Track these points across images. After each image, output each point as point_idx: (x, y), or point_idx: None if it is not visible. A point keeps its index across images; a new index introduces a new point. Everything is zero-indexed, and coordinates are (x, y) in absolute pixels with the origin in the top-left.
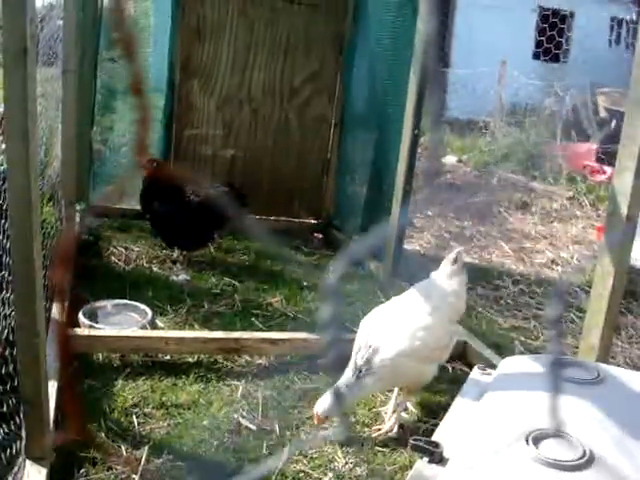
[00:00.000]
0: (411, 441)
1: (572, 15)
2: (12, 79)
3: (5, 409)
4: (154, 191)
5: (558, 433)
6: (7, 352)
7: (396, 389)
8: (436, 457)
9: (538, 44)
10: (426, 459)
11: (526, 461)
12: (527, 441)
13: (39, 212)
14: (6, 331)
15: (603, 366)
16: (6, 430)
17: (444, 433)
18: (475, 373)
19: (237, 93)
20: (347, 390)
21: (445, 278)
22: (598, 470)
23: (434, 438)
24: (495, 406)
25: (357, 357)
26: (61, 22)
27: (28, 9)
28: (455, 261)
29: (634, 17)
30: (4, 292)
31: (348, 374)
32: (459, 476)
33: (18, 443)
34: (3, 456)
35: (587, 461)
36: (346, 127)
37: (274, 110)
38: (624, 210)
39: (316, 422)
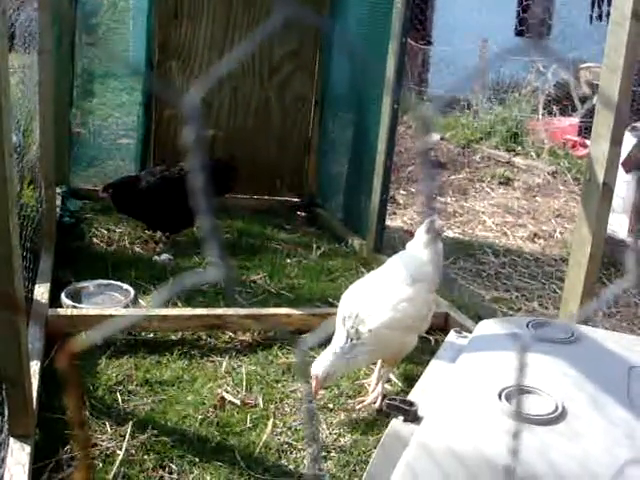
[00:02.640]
0: (386, 401)
1: None
2: None
3: None
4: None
5: (530, 390)
6: None
7: (379, 361)
8: (411, 415)
9: (521, 21)
10: (401, 418)
11: (498, 415)
12: (500, 397)
13: (14, 187)
14: None
15: (577, 326)
16: None
17: (419, 393)
18: (451, 336)
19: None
20: (341, 354)
21: (421, 248)
22: (569, 424)
23: (409, 398)
24: (470, 366)
25: (347, 325)
26: (37, 5)
27: None
28: (429, 230)
29: None
30: None
31: (341, 340)
32: (434, 432)
33: (0, 420)
34: None
35: (559, 416)
36: (327, 105)
37: (254, 89)
38: (600, 178)
39: (315, 386)
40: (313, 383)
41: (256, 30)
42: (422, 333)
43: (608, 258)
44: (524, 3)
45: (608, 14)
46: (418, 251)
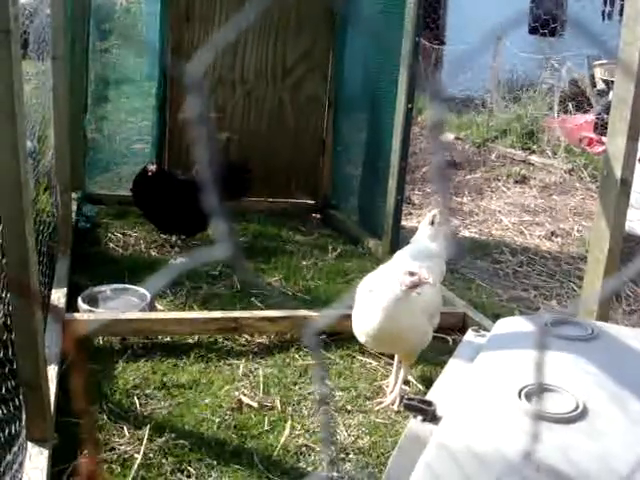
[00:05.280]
0: (405, 401)
1: None
2: None
3: (4, 391)
4: (148, 185)
5: (550, 388)
6: (6, 336)
7: (395, 362)
8: (429, 415)
9: (535, 18)
10: (420, 418)
11: (518, 415)
12: (520, 396)
13: (30, 192)
14: (3, 314)
15: (597, 323)
16: (5, 411)
17: (438, 393)
18: (469, 335)
19: (229, 75)
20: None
21: (428, 240)
22: (590, 422)
23: (427, 398)
24: (489, 365)
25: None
26: (49, 11)
27: None
28: (432, 223)
29: None
30: None
31: None
32: (453, 432)
33: (17, 424)
34: (2, 436)
35: (579, 414)
36: (340, 106)
37: (267, 91)
38: (617, 173)
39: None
40: (418, 274)
41: None
42: (435, 326)
43: (626, 254)
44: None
45: (621, 10)
46: (425, 243)
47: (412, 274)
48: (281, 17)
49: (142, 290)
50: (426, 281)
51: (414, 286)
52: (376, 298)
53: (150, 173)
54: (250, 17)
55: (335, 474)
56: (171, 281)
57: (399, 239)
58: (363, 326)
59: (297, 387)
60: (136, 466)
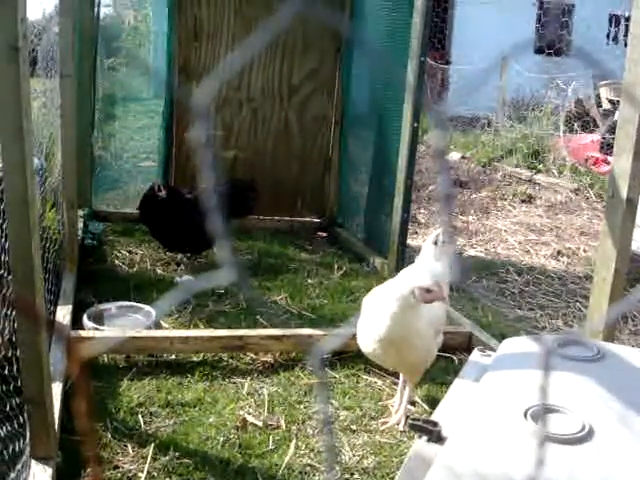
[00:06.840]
0: (409, 421)
1: (572, 7)
2: (4, 78)
3: (8, 409)
4: (155, 203)
5: (557, 409)
6: (10, 353)
7: (401, 381)
8: (434, 436)
9: (541, 38)
10: (425, 438)
11: (524, 436)
12: (525, 417)
13: (37, 210)
14: (8, 331)
15: (604, 344)
16: (9, 428)
17: (443, 413)
18: (475, 355)
19: (236, 94)
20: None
21: (433, 260)
22: (596, 443)
23: (432, 418)
24: (494, 385)
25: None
26: (57, 29)
27: (20, 8)
28: (436, 243)
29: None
30: (4, 291)
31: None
32: (458, 453)
33: (21, 441)
34: (5, 453)
35: (586, 435)
36: (346, 124)
37: (274, 109)
38: (624, 193)
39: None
40: (435, 291)
41: (271, 20)
42: (439, 345)
43: (633, 275)
44: (543, 20)
45: (626, 31)
46: (429, 262)
47: (429, 291)
48: (288, 36)
49: (147, 308)
50: (442, 298)
51: (430, 302)
52: (385, 305)
53: (159, 199)
54: (257, 45)
55: None
56: (178, 302)
57: (405, 258)
58: (370, 333)
59: (302, 406)
60: None
